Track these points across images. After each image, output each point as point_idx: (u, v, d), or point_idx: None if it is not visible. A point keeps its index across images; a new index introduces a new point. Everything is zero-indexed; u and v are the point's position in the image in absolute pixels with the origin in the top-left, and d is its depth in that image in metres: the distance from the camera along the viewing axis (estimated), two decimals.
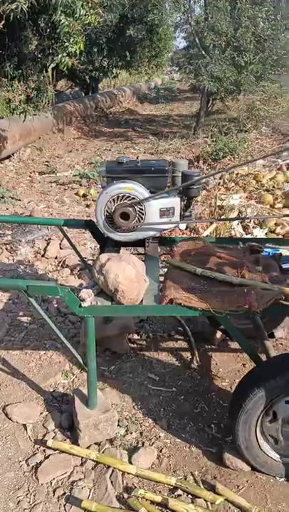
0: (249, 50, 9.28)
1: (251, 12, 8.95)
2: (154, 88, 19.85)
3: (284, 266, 2.69)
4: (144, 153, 9.39)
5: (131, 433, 2.23)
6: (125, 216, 2.32)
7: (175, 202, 2.39)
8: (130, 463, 2.06)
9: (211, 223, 4.30)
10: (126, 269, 1.97)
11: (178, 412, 2.38)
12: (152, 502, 1.87)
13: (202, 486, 1.96)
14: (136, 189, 2.31)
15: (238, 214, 4.86)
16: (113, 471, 2.00)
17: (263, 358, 2.10)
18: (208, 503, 1.88)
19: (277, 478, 2.01)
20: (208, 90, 9.67)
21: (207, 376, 2.64)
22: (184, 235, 4.34)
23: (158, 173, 2.38)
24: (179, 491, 1.94)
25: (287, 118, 9.56)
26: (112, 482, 1.97)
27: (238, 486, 1.97)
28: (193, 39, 9.97)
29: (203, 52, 9.48)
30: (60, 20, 4.81)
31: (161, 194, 2.34)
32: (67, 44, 5.06)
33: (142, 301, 2.02)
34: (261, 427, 1.95)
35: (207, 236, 3.95)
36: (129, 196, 2.30)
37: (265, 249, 3.32)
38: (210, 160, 7.32)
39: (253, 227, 4.61)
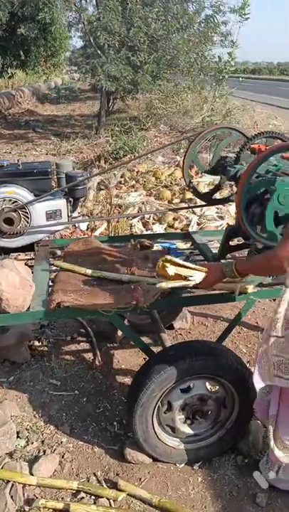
0: (143, 50, 9.46)
1: (142, 12, 9.14)
2: (55, 88, 19.52)
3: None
4: (47, 154, 9.22)
5: (32, 443, 2.17)
6: (9, 221, 2.25)
7: (61, 204, 2.37)
8: (31, 474, 2.00)
9: (108, 221, 4.33)
10: (9, 276, 1.90)
11: (80, 414, 2.36)
12: (55, 510, 1.84)
13: (105, 485, 1.97)
14: (18, 193, 2.25)
15: (138, 211, 4.95)
16: (13, 485, 1.93)
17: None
18: (111, 500, 1.89)
19: (178, 465, 2.07)
20: (107, 90, 9.72)
21: (109, 375, 2.65)
22: (86, 236, 4.33)
23: (41, 176, 2.34)
24: (82, 494, 1.92)
25: (183, 116, 9.89)
26: (12, 497, 1.90)
27: (140, 479, 2.01)
28: (88, 38, 9.95)
29: (99, 52, 9.50)
30: None
31: (45, 196, 2.30)
32: None
33: (29, 307, 1.97)
34: (158, 418, 2.00)
35: (99, 235, 3.98)
36: (11, 200, 2.23)
37: (163, 244, 3.42)
38: (111, 159, 7.36)
39: (153, 223, 4.73)
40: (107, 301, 1.95)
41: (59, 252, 2.55)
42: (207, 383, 2.01)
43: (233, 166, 2.29)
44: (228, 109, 9.14)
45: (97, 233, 4.19)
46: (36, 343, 2.91)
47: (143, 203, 5.13)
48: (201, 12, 10.44)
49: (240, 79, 12.15)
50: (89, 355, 2.83)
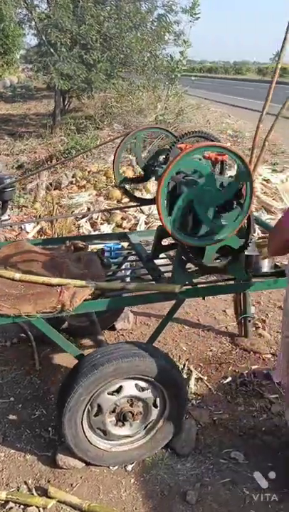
0: (96, 49, 9.40)
1: (94, 10, 9.08)
2: (10, 86, 19.08)
3: (114, 260, 2.78)
4: (0, 154, 9.01)
5: None
6: None
7: None
8: None
9: (51, 223, 4.27)
10: None
11: (15, 421, 2.31)
12: None
13: (35, 493, 1.94)
14: None
15: (86, 211, 4.91)
16: None
17: None
18: (40, 508, 1.86)
19: (111, 468, 2.06)
20: (60, 88, 9.60)
21: (48, 380, 2.61)
22: (33, 238, 4.25)
23: None
24: (11, 504, 1.88)
25: (137, 115, 9.89)
26: None
27: (71, 485, 1.98)
28: (41, 36, 9.80)
29: (52, 50, 9.37)
30: None
31: None
32: None
33: None
34: (88, 422, 1.98)
35: (32, 238, 3.93)
36: None
37: (108, 244, 3.40)
38: (63, 158, 7.26)
39: (101, 224, 4.70)
40: (32, 305, 1.91)
41: None
42: (137, 384, 2.00)
43: (161, 166, 2.29)
44: (180, 108, 9.20)
45: (30, 235, 4.13)
46: None
47: (92, 203, 5.10)
48: (154, 11, 10.47)
49: (193, 78, 12.27)
50: (28, 361, 2.77)
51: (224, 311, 3.33)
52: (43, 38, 9.69)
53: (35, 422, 2.31)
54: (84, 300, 1.96)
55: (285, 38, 2.52)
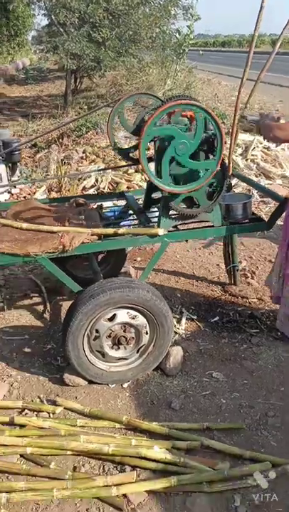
0: (105, 26, 9.56)
1: None
2: (23, 69, 19.35)
3: (109, 214, 3.12)
4: (14, 135, 9.34)
5: None
6: None
7: (1, 168, 2.65)
8: None
9: (59, 191, 4.61)
10: None
11: (29, 353, 2.70)
12: (2, 423, 2.18)
13: (46, 404, 2.32)
14: None
15: (94, 182, 5.24)
16: None
17: None
18: (50, 414, 2.25)
19: (110, 385, 2.43)
20: (69, 68, 9.84)
21: (56, 321, 2.99)
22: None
23: None
24: (26, 411, 2.27)
25: (147, 91, 10.08)
26: None
27: (76, 397, 2.36)
28: (50, 16, 10.00)
29: (61, 30, 9.58)
30: None
31: None
32: None
33: None
34: (89, 345, 2.35)
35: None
36: None
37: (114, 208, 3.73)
38: (74, 136, 7.58)
39: (108, 193, 5.03)
40: (37, 247, 2.27)
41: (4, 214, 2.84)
42: (128, 312, 2.34)
43: None
44: (188, 83, 9.35)
45: (37, 195, 4.49)
46: None
47: (100, 174, 5.42)
48: None
49: (201, 52, 12.31)
50: (40, 308, 3.15)
51: (218, 264, 3.64)
52: (53, 17, 9.88)
53: (47, 353, 2.70)
54: (82, 243, 2.32)
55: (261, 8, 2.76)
